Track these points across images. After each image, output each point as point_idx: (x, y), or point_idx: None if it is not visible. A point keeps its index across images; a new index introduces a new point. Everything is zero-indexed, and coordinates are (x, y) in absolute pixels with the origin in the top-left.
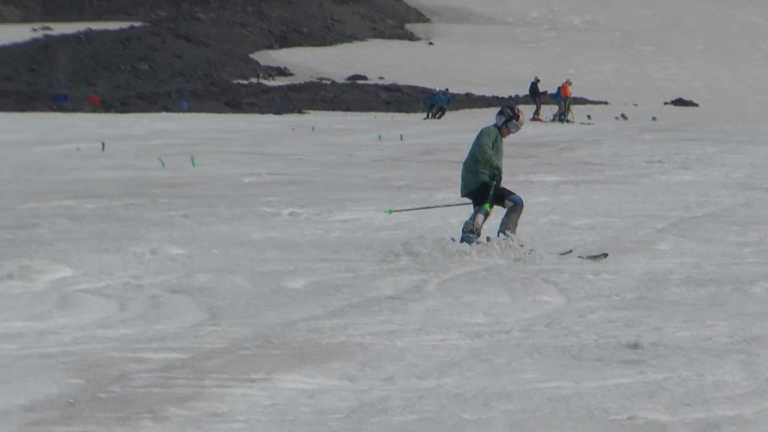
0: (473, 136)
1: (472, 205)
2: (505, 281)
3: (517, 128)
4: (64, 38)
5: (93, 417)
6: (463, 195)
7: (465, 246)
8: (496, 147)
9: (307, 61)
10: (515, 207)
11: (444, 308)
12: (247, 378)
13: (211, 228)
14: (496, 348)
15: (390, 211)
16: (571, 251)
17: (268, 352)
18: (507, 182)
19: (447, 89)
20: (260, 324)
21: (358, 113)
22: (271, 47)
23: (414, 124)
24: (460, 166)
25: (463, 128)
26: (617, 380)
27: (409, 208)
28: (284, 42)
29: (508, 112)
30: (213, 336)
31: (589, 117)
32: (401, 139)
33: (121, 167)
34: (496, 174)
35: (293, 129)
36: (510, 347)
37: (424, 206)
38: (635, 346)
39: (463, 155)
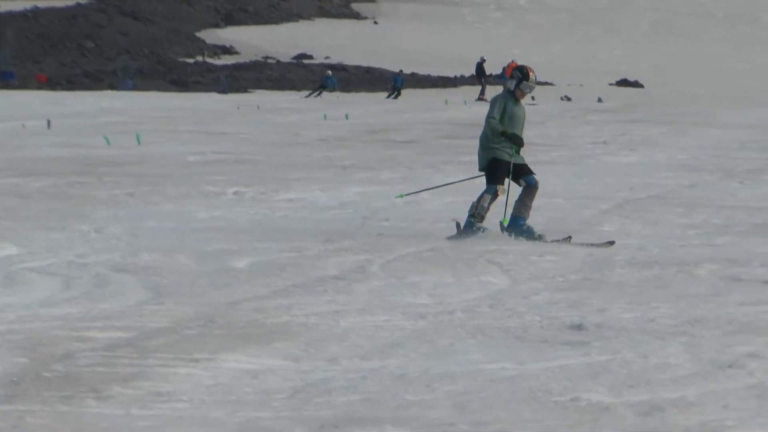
0: (417, 116)
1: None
2: (450, 262)
3: (531, 88)
4: (10, 15)
5: (37, 396)
6: (480, 170)
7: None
8: (509, 115)
9: (252, 40)
10: (529, 190)
11: (388, 289)
12: (191, 358)
13: (157, 207)
14: (439, 329)
15: (401, 195)
16: (570, 237)
17: (212, 331)
18: (453, 162)
19: (401, 70)
20: (204, 303)
21: (304, 92)
22: (217, 26)
23: (360, 103)
24: (405, 146)
25: (406, 108)
26: (561, 362)
27: (419, 190)
28: (230, 20)
29: (517, 74)
30: (157, 315)
31: (533, 98)
32: (346, 118)
33: (67, 145)
34: (512, 138)
35: (238, 108)
36: (454, 328)
37: (435, 186)
38: (579, 327)
39: (408, 135)
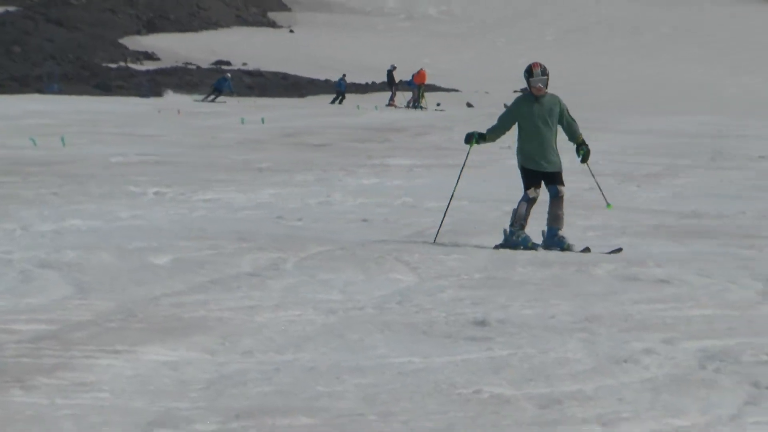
0: (330, 121)
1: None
2: (360, 260)
3: (539, 80)
4: None
5: None
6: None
7: None
8: (521, 115)
9: (173, 47)
10: (553, 200)
11: (301, 285)
12: (113, 350)
13: (80, 206)
14: (349, 324)
15: (609, 206)
16: (588, 248)
17: (132, 325)
18: (365, 165)
19: (344, 75)
20: (125, 298)
21: (223, 97)
22: (139, 32)
23: (276, 108)
24: (319, 149)
25: (320, 113)
26: (464, 356)
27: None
28: (152, 28)
29: (525, 75)
30: (80, 309)
31: (438, 104)
32: (263, 122)
33: None
34: (466, 137)
35: (159, 112)
36: (363, 323)
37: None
38: (482, 323)
39: (322, 138)
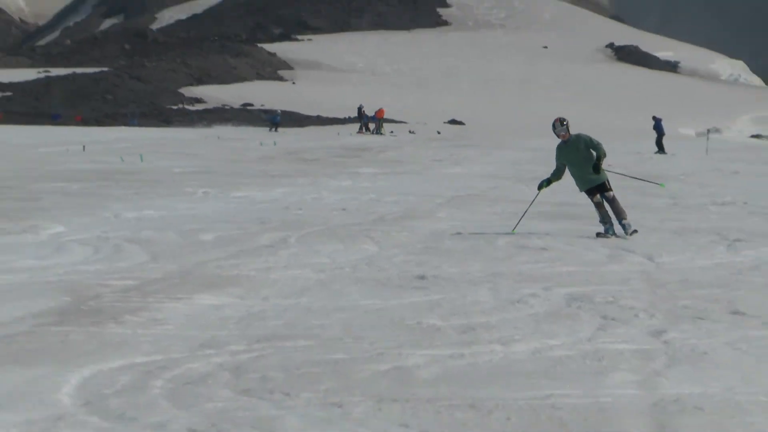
0: (319, 143)
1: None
2: (340, 236)
3: (560, 131)
4: (59, 77)
5: (77, 321)
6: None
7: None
8: (565, 158)
9: (215, 93)
10: (609, 203)
11: (301, 253)
12: (175, 297)
13: (153, 201)
14: (334, 279)
15: (663, 185)
16: (636, 231)
17: (189, 280)
18: (343, 173)
19: (279, 111)
20: (184, 263)
21: (245, 126)
22: (192, 84)
23: (284, 135)
24: (312, 163)
25: (313, 138)
26: (410, 299)
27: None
28: (200, 81)
29: (552, 129)
30: (154, 270)
31: (392, 131)
32: (275, 145)
33: (95, 162)
34: (548, 180)
35: (205, 138)
36: (343, 279)
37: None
38: (422, 278)
39: (314, 155)
